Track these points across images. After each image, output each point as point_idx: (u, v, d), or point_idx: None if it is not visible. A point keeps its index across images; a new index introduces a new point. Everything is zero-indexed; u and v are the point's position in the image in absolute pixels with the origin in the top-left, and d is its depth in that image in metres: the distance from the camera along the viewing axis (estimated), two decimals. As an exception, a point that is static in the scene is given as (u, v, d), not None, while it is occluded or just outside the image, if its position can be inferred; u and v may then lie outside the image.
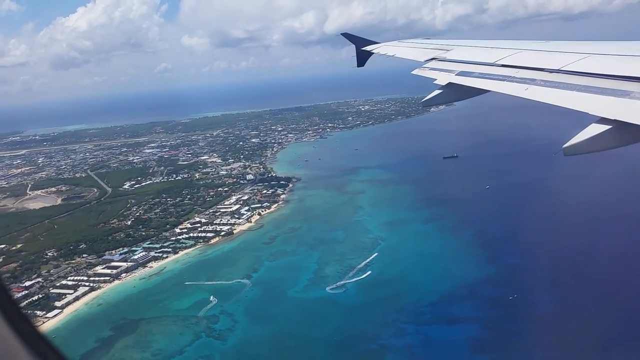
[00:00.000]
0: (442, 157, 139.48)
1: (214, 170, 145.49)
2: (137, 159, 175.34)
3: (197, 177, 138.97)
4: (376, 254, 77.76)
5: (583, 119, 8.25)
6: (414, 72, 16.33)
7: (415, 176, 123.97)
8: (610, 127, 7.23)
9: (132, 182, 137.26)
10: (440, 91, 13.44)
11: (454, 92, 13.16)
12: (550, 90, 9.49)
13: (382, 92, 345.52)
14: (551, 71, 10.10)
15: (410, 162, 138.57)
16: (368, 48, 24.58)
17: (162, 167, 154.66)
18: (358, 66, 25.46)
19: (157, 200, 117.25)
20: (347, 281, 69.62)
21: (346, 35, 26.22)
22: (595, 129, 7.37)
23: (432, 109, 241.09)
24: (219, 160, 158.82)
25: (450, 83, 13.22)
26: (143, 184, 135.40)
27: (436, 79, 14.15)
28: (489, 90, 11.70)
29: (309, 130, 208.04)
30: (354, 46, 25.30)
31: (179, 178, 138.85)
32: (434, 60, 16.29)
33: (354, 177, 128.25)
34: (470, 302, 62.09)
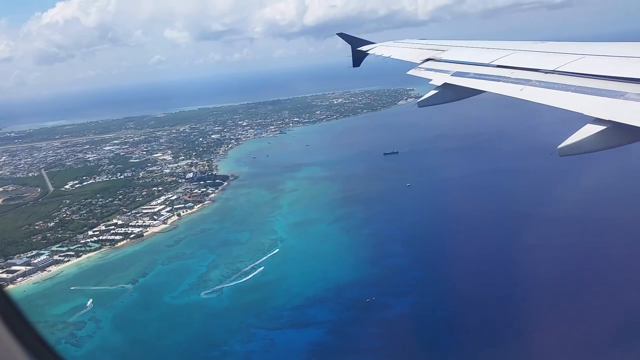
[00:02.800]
0: (383, 154, 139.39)
1: (159, 168, 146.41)
2: (94, 156, 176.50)
3: (141, 175, 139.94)
4: (269, 255, 78.63)
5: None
6: (409, 72, 16.50)
7: (349, 173, 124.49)
8: (605, 127, 7.33)
9: (76, 182, 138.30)
10: (435, 91, 13.47)
11: (450, 93, 13.16)
12: (546, 91, 9.57)
13: (365, 83, 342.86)
14: (546, 72, 10.16)
15: (351, 159, 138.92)
16: (364, 48, 24.86)
17: (112, 166, 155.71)
18: (354, 66, 25.80)
19: (90, 200, 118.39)
20: (226, 285, 70.60)
21: (342, 35, 26.41)
22: (590, 130, 7.48)
23: (399, 102, 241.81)
24: (170, 158, 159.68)
25: (445, 83, 13.30)
26: (84, 183, 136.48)
27: (432, 80, 14.21)
28: (484, 91, 11.75)
29: (272, 126, 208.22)
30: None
31: (122, 177, 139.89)
32: (429, 61, 16.35)
33: (292, 175, 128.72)
34: (330, 305, 62.94)
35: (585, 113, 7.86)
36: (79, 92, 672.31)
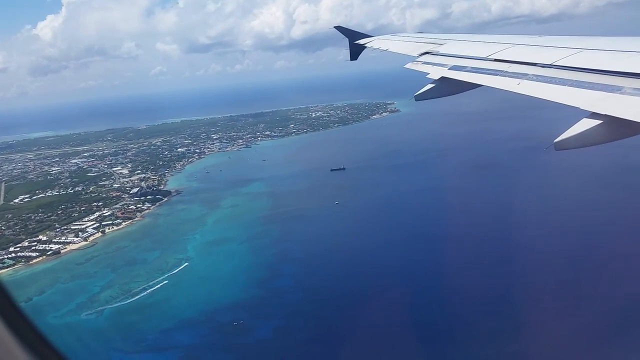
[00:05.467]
0: (330, 170, 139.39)
1: (111, 182, 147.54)
2: (57, 169, 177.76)
3: (90, 190, 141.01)
4: (166, 275, 79.00)
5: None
6: (407, 65, 16.43)
7: (289, 189, 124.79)
8: (601, 122, 7.33)
9: (27, 196, 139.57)
10: (432, 85, 13.50)
11: (447, 86, 13.19)
12: (543, 85, 9.56)
13: (352, 96, 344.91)
14: (544, 66, 10.17)
15: (299, 174, 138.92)
16: (361, 42, 24.55)
17: (69, 179, 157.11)
18: (351, 59, 25.32)
19: (30, 215, 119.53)
20: (110, 306, 70.86)
21: (339, 29, 25.97)
22: (586, 124, 7.49)
23: (373, 116, 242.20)
24: (126, 172, 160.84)
25: (443, 77, 13.30)
26: (34, 197, 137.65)
27: (429, 73, 14.22)
28: (481, 85, 11.71)
29: (240, 140, 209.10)
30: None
31: (72, 191, 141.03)
32: (427, 55, 16.31)
33: (235, 190, 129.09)
34: (198, 328, 62.97)
35: (582, 107, 7.87)
36: (76, 103, 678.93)
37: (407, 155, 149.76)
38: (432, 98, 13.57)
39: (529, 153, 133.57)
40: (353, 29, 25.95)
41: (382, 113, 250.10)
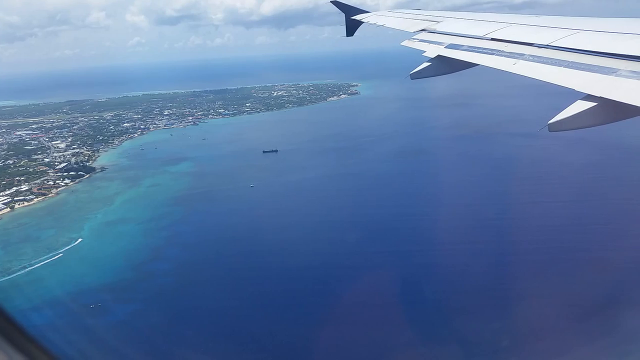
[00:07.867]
0: (262, 151, 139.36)
1: (44, 156, 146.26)
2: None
3: (22, 163, 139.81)
4: (51, 254, 79.14)
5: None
6: (403, 43, 16.25)
7: (216, 170, 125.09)
8: (595, 104, 7.34)
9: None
10: (429, 64, 13.31)
11: (443, 65, 13.05)
12: (539, 65, 9.55)
13: (323, 76, 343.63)
14: (540, 46, 10.14)
15: (232, 155, 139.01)
16: (358, 17, 24.36)
17: (5, 152, 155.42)
18: (347, 35, 24.96)
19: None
20: (-16, 284, 71.09)
21: (336, 3, 25.44)
22: (581, 106, 7.50)
23: (331, 98, 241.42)
24: (64, 146, 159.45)
25: (439, 56, 13.18)
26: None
27: (425, 51, 14.05)
28: (477, 64, 11.67)
29: (191, 117, 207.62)
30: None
31: (1, 164, 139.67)
32: (423, 32, 16.14)
33: (163, 169, 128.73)
34: (57, 309, 62.85)
35: (577, 89, 7.90)
36: (48, 72, 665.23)
37: (344, 139, 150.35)
38: (428, 77, 13.51)
39: (459, 142, 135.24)
40: (349, 4, 25.75)
41: (340, 95, 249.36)
